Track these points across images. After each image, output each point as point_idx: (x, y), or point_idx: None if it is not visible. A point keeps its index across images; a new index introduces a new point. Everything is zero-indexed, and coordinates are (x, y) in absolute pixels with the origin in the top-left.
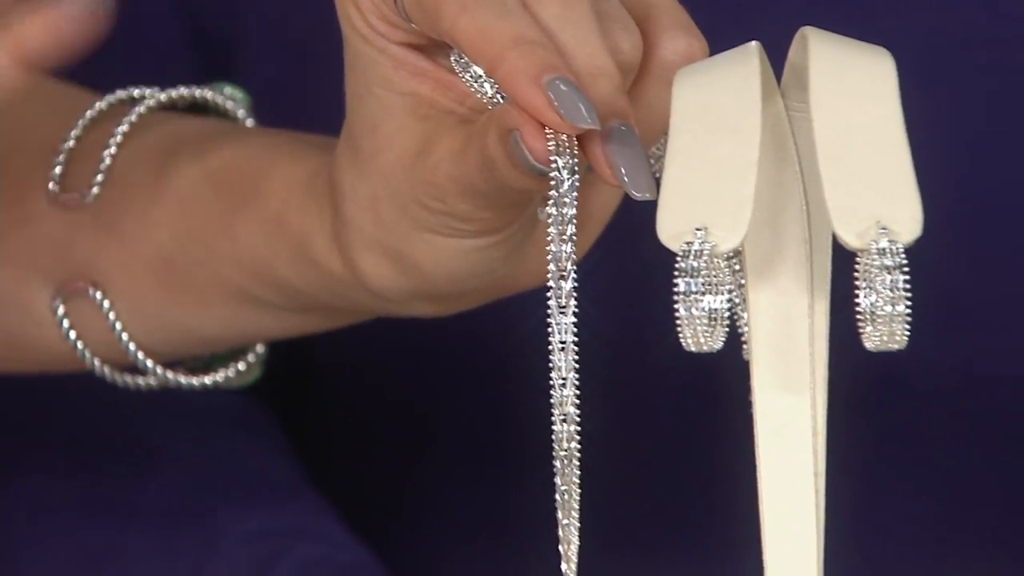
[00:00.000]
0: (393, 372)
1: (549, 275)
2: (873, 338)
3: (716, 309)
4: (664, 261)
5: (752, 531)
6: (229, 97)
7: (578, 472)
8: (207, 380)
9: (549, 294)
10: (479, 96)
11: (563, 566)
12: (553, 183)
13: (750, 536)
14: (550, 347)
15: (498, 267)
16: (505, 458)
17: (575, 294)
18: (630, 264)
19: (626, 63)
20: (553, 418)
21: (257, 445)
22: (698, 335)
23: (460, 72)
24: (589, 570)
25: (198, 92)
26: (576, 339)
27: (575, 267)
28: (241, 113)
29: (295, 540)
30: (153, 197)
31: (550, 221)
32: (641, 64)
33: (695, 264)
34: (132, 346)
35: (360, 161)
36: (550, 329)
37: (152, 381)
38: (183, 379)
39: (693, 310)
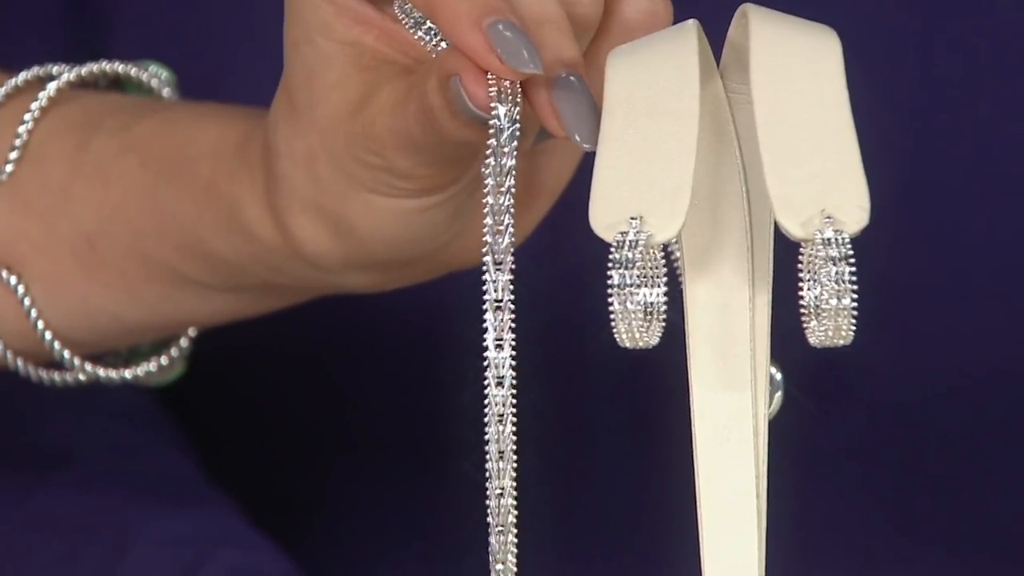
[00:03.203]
0: (307, 363)
1: (486, 230)
2: (817, 333)
3: (652, 303)
4: (598, 252)
5: (692, 533)
6: (154, 75)
7: (514, 474)
8: (127, 374)
9: (485, 250)
10: (423, 45)
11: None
12: (493, 132)
13: (690, 538)
14: (484, 306)
15: (439, 233)
16: (430, 456)
17: (512, 250)
18: (562, 255)
19: (585, 17)
20: (486, 394)
21: (162, 446)
22: (633, 330)
23: (403, 19)
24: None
25: (120, 68)
26: (513, 297)
27: (512, 222)
28: (166, 92)
29: (215, 546)
30: (73, 171)
31: (488, 172)
32: (601, 23)
33: (630, 255)
34: (48, 335)
35: (296, 115)
36: (485, 288)
37: (69, 377)
38: (102, 372)
39: (628, 304)
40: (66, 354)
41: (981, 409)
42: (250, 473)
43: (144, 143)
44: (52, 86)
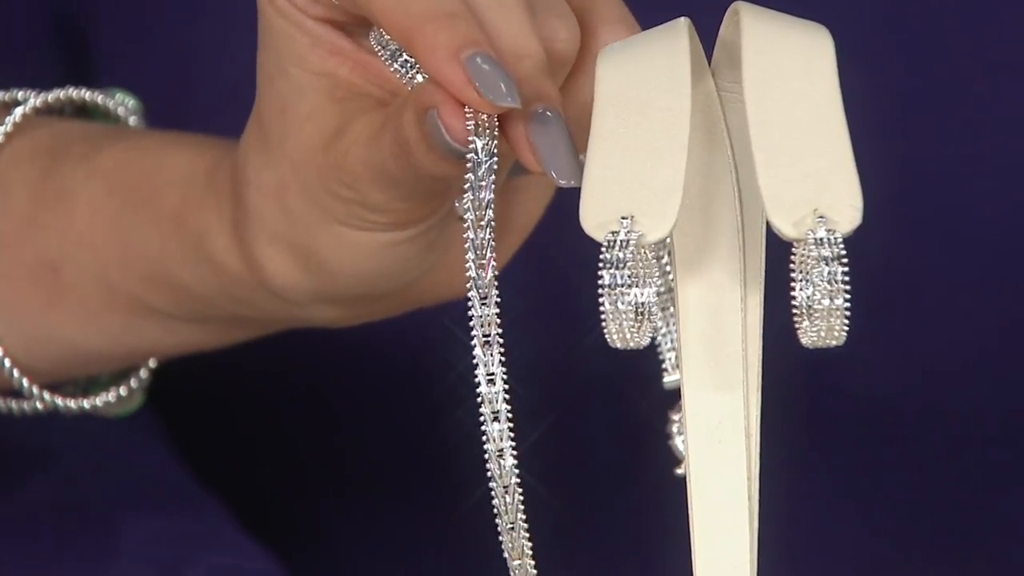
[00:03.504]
0: (295, 370)
1: (468, 264)
2: (810, 334)
3: (643, 303)
4: (588, 252)
5: (684, 534)
6: (120, 103)
7: (522, 507)
8: (86, 404)
9: (469, 285)
10: (398, 77)
11: None
12: (470, 166)
13: (682, 539)
14: (472, 342)
15: (410, 268)
16: (425, 475)
17: (496, 283)
18: (552, 255)
19: (562, 52)
20: (483, 423)
21: (148, 444)
22: (624, 331)
23: (380, 51)
24: None
25: (88, 95)
26: (500, 331)
27: (494, 255)
28: (133, 120)
29: (200, 547)
30: (37, 199)
31: (467, 207)
32: (577, 59)
33: (621, 255)
34: (8, 362)
35: (268, 146)
36: (472, 323)
37: (27, 406)
38: (60, 402)
39: (619, 304)
40: (25, 382)
41: (975, 410)
42: (237, 479)
43: (111, 170)
44: (18, 112)
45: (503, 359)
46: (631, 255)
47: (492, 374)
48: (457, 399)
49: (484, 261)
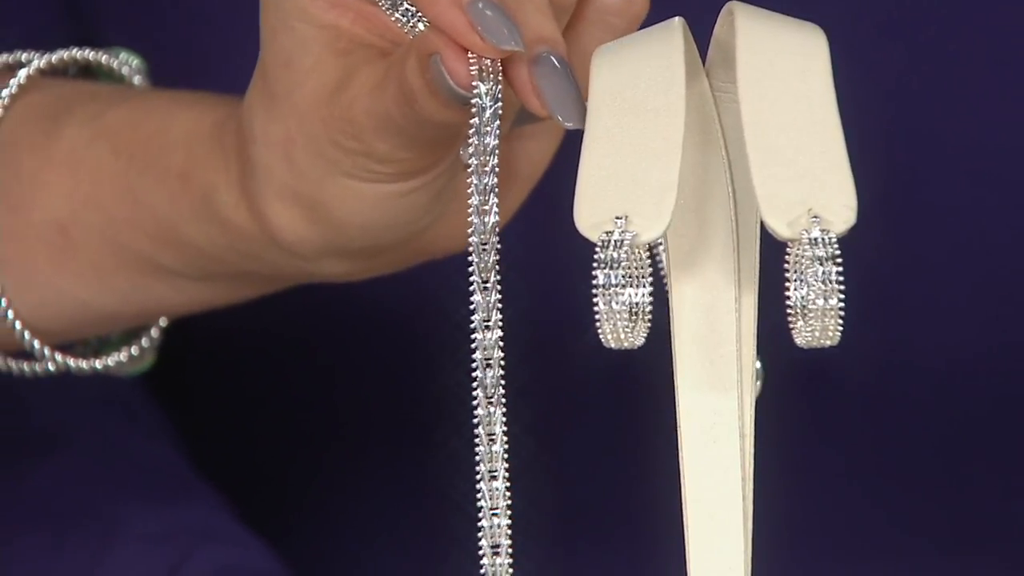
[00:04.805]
0: (295, 351)
1: (471, 210)
2: (804, 334)
3: (638, 303)
4: (582, 252)
5: (679, 535)
6: (124, 63)
7: (506, 456)
8: (98, 364)
9: (471, 231)
10: (399, 26)
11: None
12: (474, 111)
13: (676, 539)
14: (471, 286)
15: (417, 218)
16: (418, 452)
17: (497, 231)
18: (547, 255)
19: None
20: (474, 376)
21: (153, 437)
22: (618, 330)
23: (380, 1)
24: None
25: (91, 55)
26: (499, 278)
27: (497, 201)
28: (137, 80)
29: (202, 542)
30: (44, 160)
31: (471, 152)
32: (578, 6)
33: (615, 255)
34: (19, 324)
35: (273, 100)
36: (471, 268)
37: (39, 368)
38: (72, 362)
39: (613, 304)
40: (36, 344)
41: (971, 407)
42: (237, 463)
43: (116, 131)
44: (22, 73)
45: (500, 306)
46: (625, 255)
47: (489, 320)
48: (452, 348)
49: (486, 207)
